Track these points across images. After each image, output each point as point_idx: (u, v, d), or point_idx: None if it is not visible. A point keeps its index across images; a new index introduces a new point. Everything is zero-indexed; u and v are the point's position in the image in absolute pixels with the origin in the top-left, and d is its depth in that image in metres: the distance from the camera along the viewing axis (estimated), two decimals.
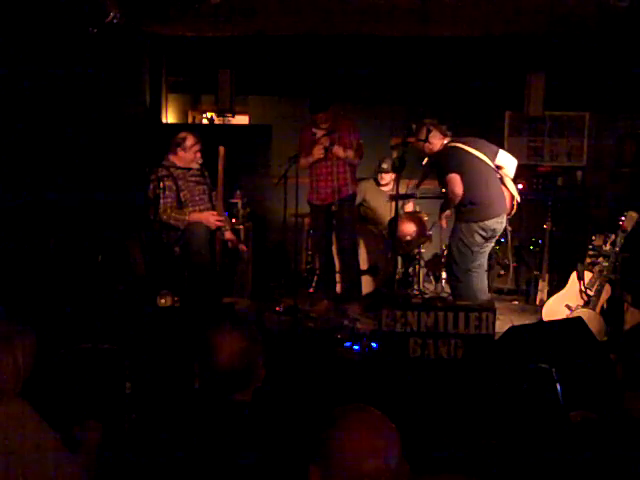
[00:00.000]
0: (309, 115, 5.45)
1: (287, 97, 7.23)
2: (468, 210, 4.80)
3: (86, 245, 5.45)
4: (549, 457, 2.11)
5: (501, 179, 4.91)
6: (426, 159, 5.10)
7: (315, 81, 6.82)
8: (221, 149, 4.88)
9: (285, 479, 1.79)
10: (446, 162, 4.82)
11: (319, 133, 5.36)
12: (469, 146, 4.85)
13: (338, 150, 5.35)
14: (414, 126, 4.91)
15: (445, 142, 4.91)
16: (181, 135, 5.08)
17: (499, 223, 4.82)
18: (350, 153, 5.37)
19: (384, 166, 6.21)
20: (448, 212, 5.03)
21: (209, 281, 4.92)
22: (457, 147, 4.85)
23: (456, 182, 4.72)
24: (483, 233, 4.80)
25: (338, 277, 5.84)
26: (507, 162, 4.97)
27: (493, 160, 4.88)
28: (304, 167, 5.43)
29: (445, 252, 5.62)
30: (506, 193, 4.91)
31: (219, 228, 5.01)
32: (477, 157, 4.84)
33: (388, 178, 6.24)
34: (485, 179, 4.83)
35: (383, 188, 6.31)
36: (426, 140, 4.87)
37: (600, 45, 6.29)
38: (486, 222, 4.77)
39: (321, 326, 5.07)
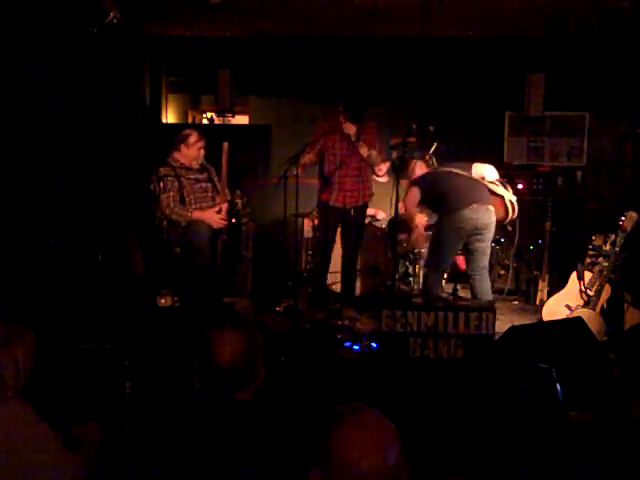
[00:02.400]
0: (320, 113, 5.41)
1: (287, 97, 7.23)
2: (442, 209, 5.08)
3: (86, 245, 5.45)
4: (549, 457, 2.11)
5: (490, 191, 5.12)
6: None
7: (315, 81, 6.82)
8: (225, 144, 4.92)
9: (285, 479, 1.79)
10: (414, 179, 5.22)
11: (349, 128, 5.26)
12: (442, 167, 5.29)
13: (363, 147, 5.22)
14: (414, 126, 4.92)
15: None
16: (185, 132, 5.13)
17: (473, 212, 4.98)
18: (374, 153, 5.26)
19: None
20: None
21: (209, 281, 4.92)
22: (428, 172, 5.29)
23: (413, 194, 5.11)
24: (458, 225, 4.97)
25: (333, 277, 5.85)
26: (483, 170, 5.21)
27: (469, 171, 5.16)
28: (309, 162, 5.28)
29: None
30: (498, 200, 5.13)
31: (220, 229, 5.03)
32: (446, 170, 5.18)
33: (384, 168, 6.33)
34: (453, 181, 5.09)
35: (379, 179, 6.40)
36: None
37: (600, 45, 6.30)
38: (458, 213, 4.97)
39: (321, 326, 5.07)
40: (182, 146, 5.05)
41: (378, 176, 6.40)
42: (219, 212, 5.05)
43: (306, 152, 5.14)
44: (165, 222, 5.02)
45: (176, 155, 5.06)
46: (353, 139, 5.21)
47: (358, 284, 6.00)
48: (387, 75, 6.85)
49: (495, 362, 3.73)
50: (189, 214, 4.93)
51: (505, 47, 6.52)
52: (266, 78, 7.05)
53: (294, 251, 5.76)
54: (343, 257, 5.63)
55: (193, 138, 5.06)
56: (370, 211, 6.42)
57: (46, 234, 5.10)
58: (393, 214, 5.02)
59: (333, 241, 5.65)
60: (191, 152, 5.06)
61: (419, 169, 5.31)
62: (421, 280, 6.17)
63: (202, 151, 5.09)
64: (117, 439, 2.59)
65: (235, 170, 5.32)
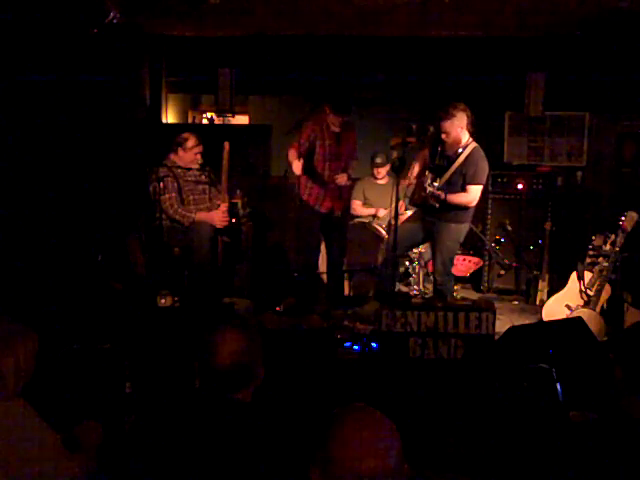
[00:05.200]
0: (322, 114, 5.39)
1: (287, 97, 7.23)
2: (462, 212, 4.90)
3: (86, 245, 5.46)
4: (549, 457, 2.11)
5: None
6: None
7: (315, 81, 6.82)
8: (226, 144, 4.93)
9: (285, 479, 1.79)
10: (480, 169, 4.80)
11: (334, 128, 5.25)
12: None
13: (342, 177, 5.28)
14: (414, 126, 4.90)
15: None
16: (184, 135, 5.16)
17: None
18: (350, 171, 5.39)
19: (378, 160, 6.40)
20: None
21: (209, 281, 4.93)
22: None
23: (479, 194, 4.85)
24: (464, 233, 5.03)
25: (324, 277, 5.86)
26: None
27: None
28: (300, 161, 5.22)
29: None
30: None
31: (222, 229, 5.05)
32: None
33: (383, 171, 6.48)
34: None
35: (379, 181, 6.46)
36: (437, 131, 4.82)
37: (600, 45, 6.29)
38: (467, 223, 5.00)
39: (321, 326, 5.07)
40: (179, 149, 5.09)
41: (379, 180, 6.48)
42: (222, 212, 5.08)
43: (293, 153, 5.15)
44: (166, 222, 5.03)
45: (173, 157, 5.11)
46: (345, 180, 5.26)
47: (357, 284, 6.01)
48: (387, 75, 6.85)
49: (495, 362, 3.73)
50: (193, 215, 4.97)
51: (505, 47, 6.52)
52: (266, 78, 7.05)
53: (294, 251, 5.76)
54: (330, 259, 5.63)
55: (191, 142, 5.10)
56: (370, 210, 6.43)
57: (46, 234, 5.10)
58: (393, 214, 5.01)
59: (319, 244, 5.64)
60: (187, 156, 5.10)
61: (464, 127, 4.89)
62: (421, 280, 6.18)
63: (198, 156, 5.13)
64: (117, 439, 2.59)
65: (235, 170, 5.32)
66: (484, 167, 4.82)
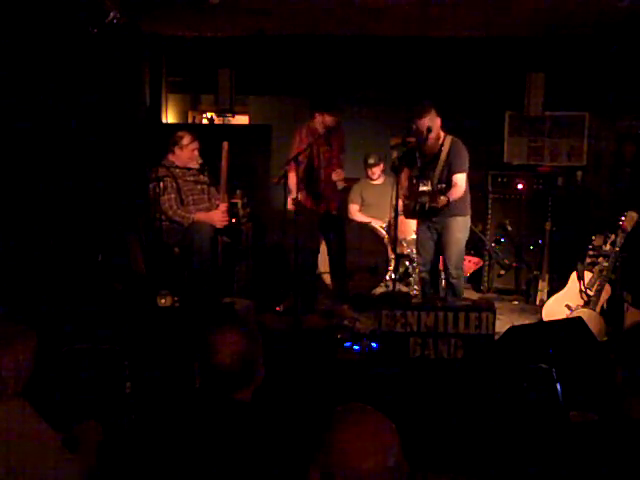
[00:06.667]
0: (310, 116, 5.39)
1: (287, 97, 7.23)
2: (462, 204, 4.96)
3: (86, 245, 5.45)
4: (549, 457, 2.11)
5: None
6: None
7: (315, 81, 6.82)
8: (225, 144, 4.93)
9: (285, 479, 1.79)
10: (464, 157, 4.93)
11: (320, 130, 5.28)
12: None
13: (338, 173, 5.34)
14: (414, 126, 4.91)
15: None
16: (178, 134, 5.16)
17: None
18: (341, 173, 5.39)
19: (371, 161, 6.41)
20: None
21: (209, 281, 4.92)
22: None
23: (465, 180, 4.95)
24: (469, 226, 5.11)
25: (327, 277, 5.86)
26: None
27: None
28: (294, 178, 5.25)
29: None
30: None
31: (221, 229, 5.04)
32: None
33: (378, 171, 6.48)
34: None
35: (375, 182, 6.45)
36: (430, 131, 4.83)
37: (600, 45, 6.30)
38: (469, 216, 5.06)
39: (321, 326, 5.07)
40: (176, 148, 5.09)
41: (375, 180, 6.48)
42: (221, 212, 5.07)
43: (290, 170, 5.11)
44: (166, 223, 5.02)
45: (171, 157, 5.11)
46: (323, 132, 5.24)
47: (357, 284, 6.01)
48: (387, 75, 6.85)
49: (495, 362, 3.74)
50: (193, 215, 4.96)
51: (505, 47, 6.52)
52: (266, 78, 7.06)
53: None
54: (332, 258, 5.62)
55: (186, 140, 5.09)
56: (367, 219, 6.38)
57: (46, 234, 5.09)
58: (393, 214, 5.01)
59: (319, 245, 5.63)
60: (185, 154, 5.10)
61: (437, 127, 4.98)
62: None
63: (196, 152, 5.12)
64: (117, 439, 2.59)
65: (235, 170, 5.32)
66: (467, 155, 4.95)
